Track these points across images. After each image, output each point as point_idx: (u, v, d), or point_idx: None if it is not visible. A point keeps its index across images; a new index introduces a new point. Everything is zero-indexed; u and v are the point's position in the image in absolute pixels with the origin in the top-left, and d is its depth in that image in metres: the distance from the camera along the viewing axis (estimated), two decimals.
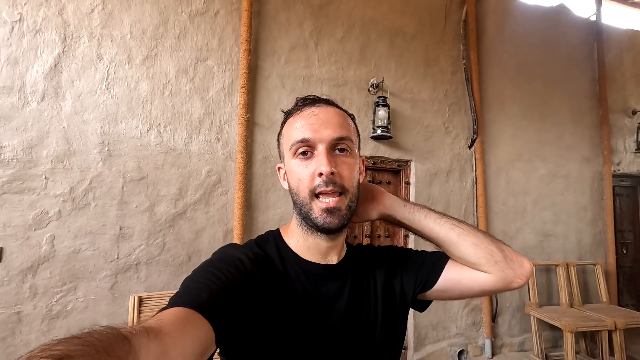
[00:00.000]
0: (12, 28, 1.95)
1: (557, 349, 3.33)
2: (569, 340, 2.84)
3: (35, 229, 1.93)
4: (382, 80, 3.01)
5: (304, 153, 0.61)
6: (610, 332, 2.95)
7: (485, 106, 3.53)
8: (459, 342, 3.19)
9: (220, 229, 2.37)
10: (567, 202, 3.77)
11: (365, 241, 3.05)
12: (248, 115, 2.46)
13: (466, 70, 3.47)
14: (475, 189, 3.40)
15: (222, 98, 2.44)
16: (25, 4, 1.98)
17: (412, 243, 3.07)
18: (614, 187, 4.21)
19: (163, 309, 0.47)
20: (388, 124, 2.91)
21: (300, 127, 0.62)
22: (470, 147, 3.42)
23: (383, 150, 3.04)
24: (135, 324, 0.39)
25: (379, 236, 3.16)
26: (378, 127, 2.90)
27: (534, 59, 3.80)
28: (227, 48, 2.49)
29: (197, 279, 0.53)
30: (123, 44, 2.20)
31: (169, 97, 2.29)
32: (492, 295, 3.29)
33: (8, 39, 1.94)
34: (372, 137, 2.96)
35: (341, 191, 0.60)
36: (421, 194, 3.17)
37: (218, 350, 0.53)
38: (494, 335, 3.30)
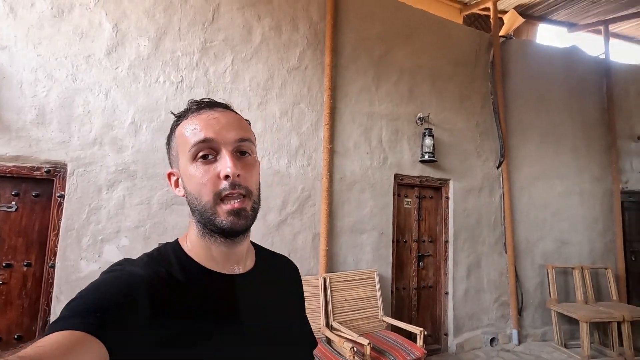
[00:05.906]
0: (177, 87, 2.75)
1: (573, 340, 3.92)
2: (584, 329, 3.46)
3: None
4: (428, 115, 3.74)
5: (204, 156, 0.58)
6: (619, 324, 3.55)
7: (509, 133, 4.22)
8: (490, 331, 3.83)
9: (310, 232, 3.10)
10: (580, 214, 4.40)
11: None
12: (330, 145, 3.21)
13: (494, 103, 4.18)
14: (502, 203, 4.07)
15: (311, 132, 3.20)
16: (184, 69, 2.78)
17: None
18: (623, 202, 4.83)
19: (42, 336, 0.41)
20: (433, 150, 3.63)
21: (200, 129, 0.59)
22: (498, 167, 4.11)
23: (428, 171, 3.74)
24: (9, 354, 0.35)
25: None
26: (425, 152, 3.62)
27: (551, 93, 4.49)
28: (314, 94, 3.25)
29: (85, 299, 0.48)
30: (245, 94, 2.98)
31: (275, 133, 3.06)
32: (518, 292, 3.93)
33: (174, 94, 2.74)
34: (420, 161, 3.67)
35: (245, 194, 0.58)
36: (458, 207, 3.86)
37: None
38: (519, 326, 3.92)
